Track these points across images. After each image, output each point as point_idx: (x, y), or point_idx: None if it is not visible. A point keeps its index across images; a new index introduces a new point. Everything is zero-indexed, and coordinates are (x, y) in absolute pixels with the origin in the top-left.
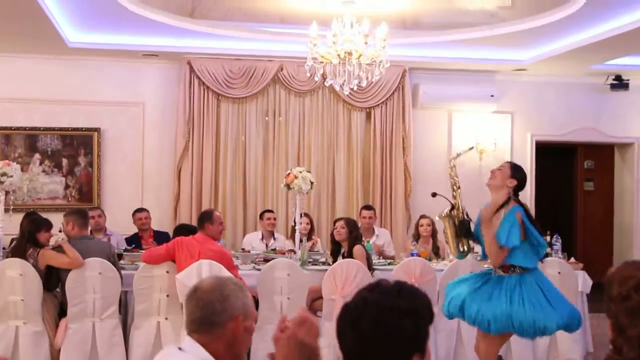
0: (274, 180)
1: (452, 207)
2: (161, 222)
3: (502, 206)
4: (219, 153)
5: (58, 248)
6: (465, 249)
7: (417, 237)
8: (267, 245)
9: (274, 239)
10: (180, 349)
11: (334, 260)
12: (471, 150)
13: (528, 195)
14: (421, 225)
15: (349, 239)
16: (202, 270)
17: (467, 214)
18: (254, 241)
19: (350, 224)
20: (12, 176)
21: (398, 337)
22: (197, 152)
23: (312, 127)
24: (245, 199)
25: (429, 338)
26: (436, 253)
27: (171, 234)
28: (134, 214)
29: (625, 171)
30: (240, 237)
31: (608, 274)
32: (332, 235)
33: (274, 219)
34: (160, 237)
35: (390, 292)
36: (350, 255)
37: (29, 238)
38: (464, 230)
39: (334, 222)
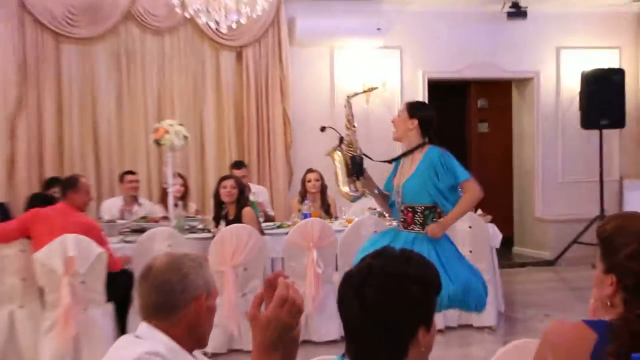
0: (132, 135)
1: (341, 141)
2: None
3: (412, 151)
4: (63, 105)
5: None
6: (358, 190)
7: (303, 194)
8: (130, 212)
9: (139, 204)
10: (137, 337)
11: (216, 226)
12: (372, 91)
13: None
14: (308, 181)
15: (236, 201)
16: (67, 247)
17: (362, 153)
18: (114, 208)
19: (242, 184)
20: None
21: (404, 306)
22: (35, 105)
23: (174, 71)
24: (98, 160)
25: (435, 310)
26: (327, 211)
27: (23, 206)
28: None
29: (525, 110)
30: (94, 205)
31: (607, 228)
32: (215, 196)
33: (137, 181)
34: None
35: (398, 259)
36: (237, 219)
37: None
38: (355, 167)
39: (220, 181)
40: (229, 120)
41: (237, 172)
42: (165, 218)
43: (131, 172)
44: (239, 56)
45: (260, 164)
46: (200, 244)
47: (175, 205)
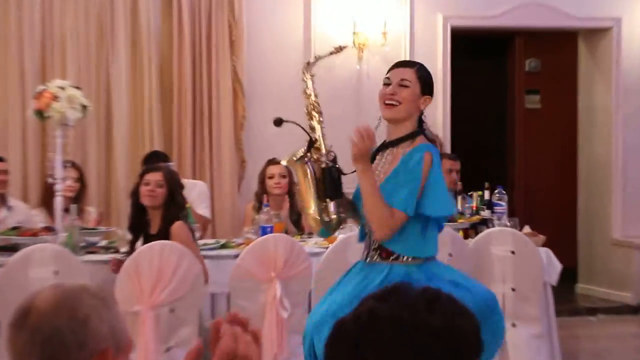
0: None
1: (310, 145)
2: None
3: (400, 142)
4: None
5: None
6: (333, 218)
7: (262, 197)
8: None
9: (8, 208)
10: None
11: (133, 242)
12: (341, 51)
13: (439, 117)
14: (270, 177)
15: (167, 206)
16: None
17: (334, 157)
18: None
19: (172, 178)
20: None
21: None
22: None
23: (66, 9)
24: None
25: None
26: (297, 223)
27: None
28: None
29: (598, 76)
30: None
31: None
32: (133, 196)
33: (6, 172)
34: None
35: (415, 303)
36: (162, 236)
37: None
38: (329, 184)
39: (141, 175)
40: (150, 84)
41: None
42: (49, 229)
43: None
44: None
45: (197, 151)
46: (104, 271)
47: (66, 210)
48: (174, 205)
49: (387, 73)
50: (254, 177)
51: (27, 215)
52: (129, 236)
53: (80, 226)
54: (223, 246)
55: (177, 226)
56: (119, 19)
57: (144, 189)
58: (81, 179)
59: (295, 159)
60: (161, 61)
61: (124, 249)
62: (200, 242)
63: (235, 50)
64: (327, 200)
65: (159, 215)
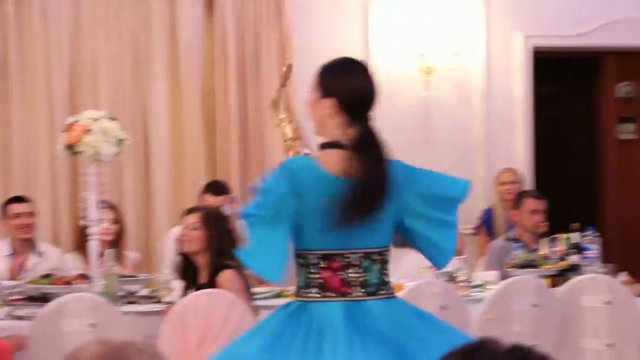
0: (25, 136)
1: None
2: None
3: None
4: None
5: None
6: None
7: None
8: (22, 268)
9: (38, 253)
10: None
11: (186, 290)
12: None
13: (520, 149)
14: None
15: (210, 252)
16: None
17: None
18: None
19: (210, 220)
20: None
21: None
22: None
23: (97, 29)
24: None
25: None
26: None
27: None
28: None
29: None
30: None
31: None
32: (178, 240)
33: (32, 214)
34: None
35: None
36: (212, 283)
37: None
38: None
39: (185, 215)
40: (192, 112)
41: (214, 200)
42: (85, 277)
43: (20, 200)
44: (209, 4)
45: (246, 184)
46: (147, 323)
47: (102, 255)
48: (217, 250)
49: None
50: None
51: (60, 262)
52: (173, 284)
53: (118, 273)
54: (278, 295)
55: (225, 275)
56: (155, 40)
57: (182, 237)
58: (118, 221)
59: None
60: (204, 86)
61: (167, 299)
62: (258, 289)
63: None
64: None
65: (204, 261)
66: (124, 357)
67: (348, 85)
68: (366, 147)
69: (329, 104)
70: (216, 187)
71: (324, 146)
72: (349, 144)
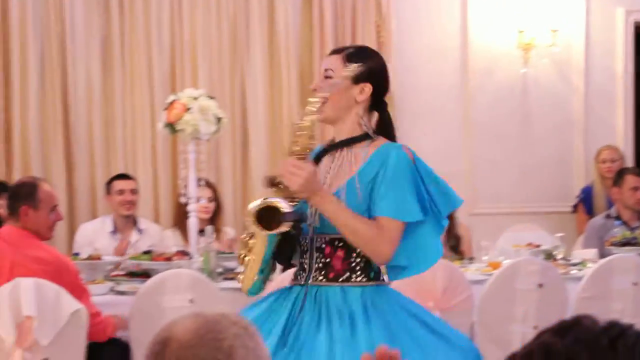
0: (126, 116)
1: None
2: None
3: (350, 142)
4: (11, 65)
5: None
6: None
7: None
8: (124, 245)
9: (138, 230)
10: None
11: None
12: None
13: (620, 125)
14: None
15: None
16: (21, 301)
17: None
18: (98, 237)
19: None
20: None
21: None
22: None
23: (197, 14)
24: (70, 155)
25: None
26: (454, 248)
27: None
28: None
29: None
30: (66, 231)
31: None
32: None
33: (135, 191)
34: None
35: (597, 340)
36: None
37: None
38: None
39: None
40: (289, 93)
41: None
42: (184, 253)
43: (124, 177)
44: None
45: None
46: (243, 299)
47: (201, 231)
48: None
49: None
50: None
51: (160, 238)
52: None
53: (216, 250)
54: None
55: None
56: (254, 20)
57: None
58: (216, 198)
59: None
60: (301, 67)
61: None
62: None
63: (383, 54)
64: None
65: None
66: (217, 329)
67: (381, 70)
68: (392, 133)
69: (364, 89)
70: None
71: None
72: (377, 130)
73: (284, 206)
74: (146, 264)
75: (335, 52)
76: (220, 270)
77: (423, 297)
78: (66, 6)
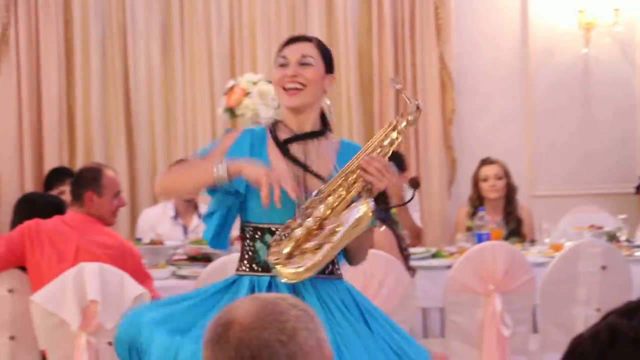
0: (187, 100)
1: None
2: None
3: (318, 134)
4: (74, 50)
5: None
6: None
7: (476, 201)
8: (186, 229)
9: (199, 215)
10: None
11: None
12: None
13: None
14: (484, 180)
15: None
16: (86, 285)
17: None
18: (160, 223)
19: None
20: None
21: None
22: (29, 51)
23: None
24: (132, 141)
25: None
26: (516, 231)
27: (11, 216)
28: None
29: None
30: (128, 216)
31: None
32: None
33: None
34: None
35: None
36: None
37: None
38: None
39: None
40: (348, 76)
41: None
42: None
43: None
44: None
45: (401, 148)
46: None
47: None
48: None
49: (280, 51)
50: (465, 179)
51: None
52: None
53: None
54: (434, 255)
55: (379, 234)
56: (313, 3)
57: None
58: None
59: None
60: (360, 50)
61: None
62: (412, 250)
63: (442, 36)
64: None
65: None
66: (278, 311)
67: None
68: (330, 125)
69: (331, 80)
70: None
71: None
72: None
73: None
74: (206, 248)
75: (304, 39)
76: None
77: (483, 280)
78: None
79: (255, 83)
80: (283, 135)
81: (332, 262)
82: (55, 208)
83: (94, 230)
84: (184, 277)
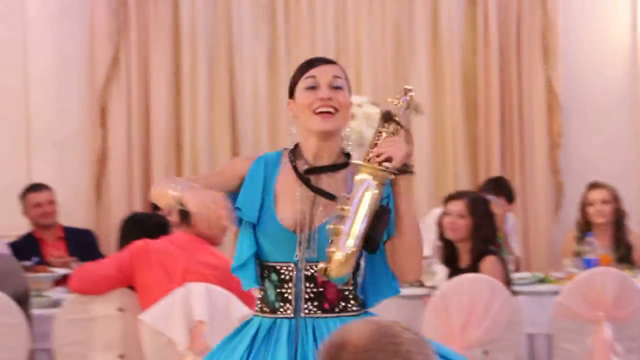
0: (292, 122)
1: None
2: (71, 210)
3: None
4: (181, 71)
5: None
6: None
7: (584, 226)
8: None
9: None
10: None
11: (450, 275)
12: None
13: None
14: (590, 204)
15: (473, 238)
16: (192, 304)
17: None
18: None
19: (479, 209)
20: None
21: None
22: (139, 73)
23: (361, 17)
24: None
25: None
26: (625, 257)
27: (118, 236)
28: (24, 197)
29: None
30: (233, 236)
31: None
32: (439, 226)
33: None
34: (77, 239)
35: None
36: (473, 269)
37: None
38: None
39: (445, 202)
40: (453, 98)
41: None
42: None
43: None
44: None
45: (506, 174)
46: (409, 307)
47: None
48: (481, 237)
49: (306, 71)
50: (572, 203)
51: None
52: (434, 268)
53: None
54: (541, 281)
55: (489, 262)
56: (418, 25)
57: (447, 223)
58: None
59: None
60: (465, 71)
61: (429, 283)
62: (515, 275)
63: (549, 59)
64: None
65: (466, 248)
66: (391, 334)
67: None
68: None
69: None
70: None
71: None
72: None
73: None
74: None
75: (329, 61)
76: None
77: (593, 307)
78: (234, 15)
79: (360, 105)
80: (300, 163)
81: (346, 299)
82: (161, 228)
83: (202, 251)
84: None
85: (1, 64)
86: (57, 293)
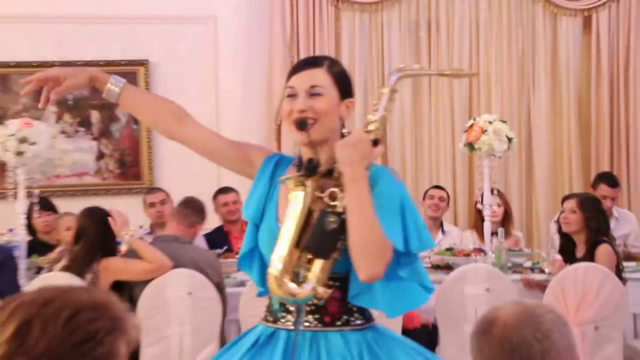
0: (432, 135)
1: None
2: None
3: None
4: None
5: (129, 253)
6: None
7: None
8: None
9: (443, 232)
10: None
11: (566, 262)
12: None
13: None
14: None
15: (586, 231)
16: None
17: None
18: None
19: (588, 206)
20: (34, 143)
21: None
22: None
23: (491, 45)
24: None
25: None
26: None
27: None
28: (215, 197)
29: None
30: None
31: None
32: (557, 223)
33: (443, 199)
34: None
35: None
36: (589, 258)
37: (101, 245)
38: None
39: (562, 201)
40: (569, 119)
41: (609, 191)
42: (480, 250)
43: (437, 187)
44: (587, 23)
45: (625, 180)
46: (530, 291)
47: (494, 233)
48: (593, 229)
49: (288, 80)
50: None
51: (460, 238)
52: (552, 258)
53: (507, 248)
54: None
55: (603, 249)
56: (539, 52)
57: (562, 218)
58: (505, 205)
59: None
60: (579, 95)
61: (547, 270)
62: (626, 264)
63: None
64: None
65: (582, 239)
66: (537, 314)
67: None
68: None
69: (349, 105)
70: (611, 179)
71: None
72: None
73: None
74: (449, 258)
75: (313, 64)
76: (510, 264)
77: None
78: (385, 48)
79: (491, 122)
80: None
81: (349, 312)
82: None
83: None
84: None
85: (197, 92)
86: (242, 275)
